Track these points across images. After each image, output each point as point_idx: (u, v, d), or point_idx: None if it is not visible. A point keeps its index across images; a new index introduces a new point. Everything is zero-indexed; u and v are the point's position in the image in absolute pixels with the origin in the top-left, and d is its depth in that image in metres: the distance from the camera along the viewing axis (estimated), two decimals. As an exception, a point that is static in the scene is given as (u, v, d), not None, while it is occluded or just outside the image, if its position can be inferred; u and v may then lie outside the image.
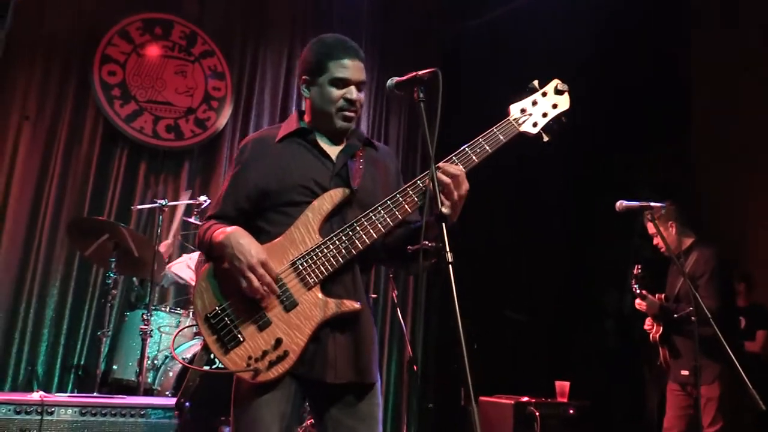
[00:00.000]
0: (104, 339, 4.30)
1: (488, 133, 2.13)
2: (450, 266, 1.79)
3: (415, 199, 2.06)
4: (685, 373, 4.10)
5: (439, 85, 1.96)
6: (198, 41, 6.47)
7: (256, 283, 1.96)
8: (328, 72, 2.16)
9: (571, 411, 4.90)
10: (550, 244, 6.42)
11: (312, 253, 2.03)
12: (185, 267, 5.19)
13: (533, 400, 4.84)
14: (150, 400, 3.17)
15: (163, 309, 4.62)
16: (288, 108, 6.80)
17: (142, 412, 3.02)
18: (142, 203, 6.04)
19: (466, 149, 2.08)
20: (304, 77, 2.23)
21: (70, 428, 2.89)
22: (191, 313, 4.69)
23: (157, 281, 4.70)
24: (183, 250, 5.64)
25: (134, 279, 4.90)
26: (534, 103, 2.22)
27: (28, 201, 5.68)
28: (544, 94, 2.23)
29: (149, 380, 4.32)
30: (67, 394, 3.09)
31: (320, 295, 2.02)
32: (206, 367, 2.41)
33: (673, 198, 4.26)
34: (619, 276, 5.31)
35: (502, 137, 2.13)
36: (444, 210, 1.88)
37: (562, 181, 6.55)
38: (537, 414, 4.68)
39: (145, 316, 4.18)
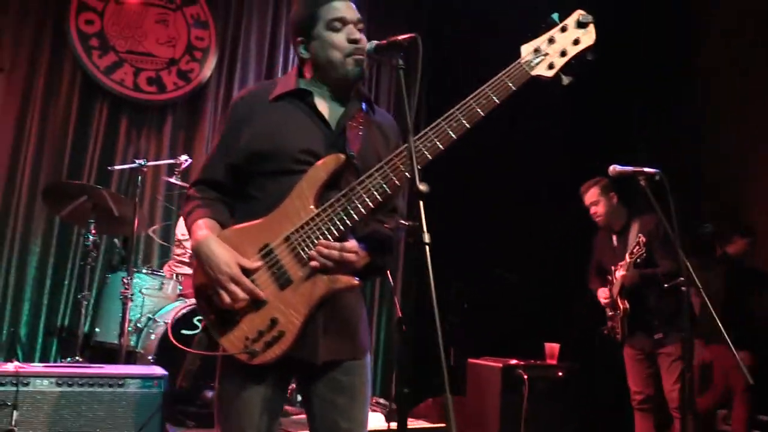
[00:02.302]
0: (84, 302, 4.20)
1: (495, 80, 1.89)
2: (427, 247, 1.68)
3: (393, 178, 1.90)
4: (658, 336, 4.15)
5: (419, 52, 1.80)
6: (180, -12, 6.18)
7: (226, 299, 1.85)
8: (321, 19, 2.00)
9: (560, 374, 4.87)
10: (544, 203, 6.31)
11: (306, 227, 1.89)
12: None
13: (522, 363, 4.80)
14: (129, 369, 3.09)
15: (145, 271, 4.50)
16: (275, 58, 6.55)
17: (120, 382, 2.93)
18: (124, 158, 5.87)
19: (471, 101, 1.87)
20: (298, 39, 2.06)
21: (46, 399, 2.80)
22: (175, 275, 4.59)
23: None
24: (166, 212, 5.50)
25: (116, 240, 4.77)
26: (551, 40, 1.90)
27: (6, 156, 5.49)
28: (564, 29, 1.90)
29: (132, 343, 4.24)
30: (43, 365, 2.99)
31: (316, 272, 1.88)
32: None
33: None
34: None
35: (511, 84, 1.87)
36: (421, 188, 1.73)
37: (559, 135, 6.38)
38: (525, 377, 4.64)
39: (125, 279, 4.06)
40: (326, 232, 1.89)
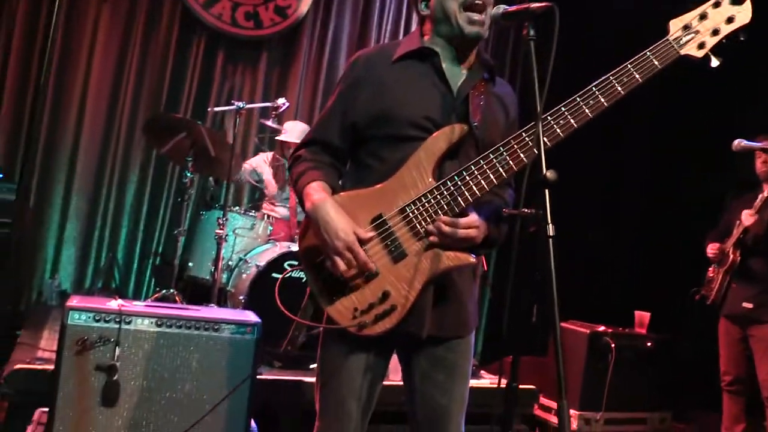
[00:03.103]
0: (180, 238, 4.31)
1: (639, 57, 1.74)
2: (550, 240, 1.57)
3: (522, 155, 1.79)
4: (747, 305, 3.91)
5: (555, 25, 1.66)
6: None
7: (342, 266, 1.81)
8: None
9: (649, 344, 4.70)
10: (643, 167, 6.00)
11: (424, 199, 1.82)
12: (262, 162, 5.11)
13: (609, 330, 4.65)
14: (225, 313, 3.15)
15: (237, 211, 4.57)
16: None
17: (215, 327, 2.99)
18: (219, 94, 5.93)
19: (611, 77, 1.74)
20: None
21: (145, 338, 2.90)
22: (266, 216, 4.64)
23: (234, 180, 4.65)
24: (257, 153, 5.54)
25: (210, 178, 4.85)
26: (702, 16, 1.75)
27: (108, 86, 5.64)
28: (717, 4, 1.75)
29: (224, 281, 4.35)
30: (144, 304, 3.09)
31: (432, 247, 1.82)
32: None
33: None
34: (714, 206, 4.92)
35: (657, 63, 1.73)
36: (549, 175, 1.62)
37: (661, 105, 5.97)
38: (612, 345, 4.51)
39: (220, 220, 4.13)
40: (445, 207, 1.81)
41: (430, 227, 1.81)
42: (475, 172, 1.80)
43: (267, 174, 5.04)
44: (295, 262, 4.04)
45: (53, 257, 5.47)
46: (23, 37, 5.35)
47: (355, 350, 1.91)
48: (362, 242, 1.82)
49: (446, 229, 1.79)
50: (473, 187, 1.80)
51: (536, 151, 1.69)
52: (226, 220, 4.16)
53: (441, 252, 1.82)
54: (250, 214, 4.59)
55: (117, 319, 2.87)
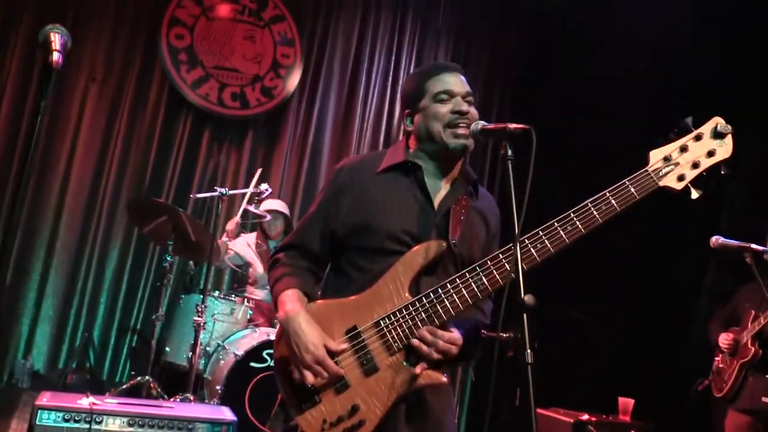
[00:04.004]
0: (157, 323, 4.25)
1: (619, 186, 1.75)
2: (529, 367, 1.57)
3: (498, 277, 1.79)
4: (766, 400, 3.77)
5: (532, 146, 1.71)
6: (269, 5, 6.20)
7: (309, 378, 1.80)
8: (429, 92, 1.95)
9: (633, 432, 4.63)
10: (627, 241, 6.03)
11: (398, 314, 1.82)
12: (245, 246, 5.08)
13: (593, 419, 4.58)
14: (199, 411, 3.08)
15: (216, 296, 4.52)
16: (358, 78, 6.51)
17: (189, 426, 2.92)
18: (204, 171, 5.96)
19: (589, 204, 1.76)
20: (406, 111, 2.02)
21: (117, 439, 2.82)
22: (245, 301, 4.60)
23: (217, 264, 4.63)
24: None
25: (189, 262, 4.81)
26: (683, 148, 1.75)
27: (92, 162, 5.66)
28: (698, 137, 1.75)
29: (200, 366, 4.26)
30: (117, 401, 3.00)
31: (404, 363, 1.81)
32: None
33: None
34: (699, 291, 4.95)
35: (635, 192, 1.74)
36: (527, 299, 1.62)
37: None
38: (597, 435, 4.44)
39: (199, 307, 4.08)
40: (419, 323, 1.81)
41: (415, 339, 1.79)
42: (451, 290, 1.81)
43: (251, 256, 5.01)
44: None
45: (27, 335, 5.36)
46: (10, 110, 5.39)
47: None
48: (333, 354, 1.81)
49: (430, 338, 1.78)
50: (448, 305, 1.80)
51: (513, 275, 1.70)
52: (205, 307, 4.11)
53: (413, 368, 1.80)
54: (230, 298, 4.54)
55: (87, 419, 2.80)
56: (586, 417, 4.58)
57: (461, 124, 1.90)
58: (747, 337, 3.85)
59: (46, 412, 2.76)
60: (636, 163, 1.77)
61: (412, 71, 2.09)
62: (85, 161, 5.62)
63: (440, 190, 1.96)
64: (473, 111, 1.93)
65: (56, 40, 1.54)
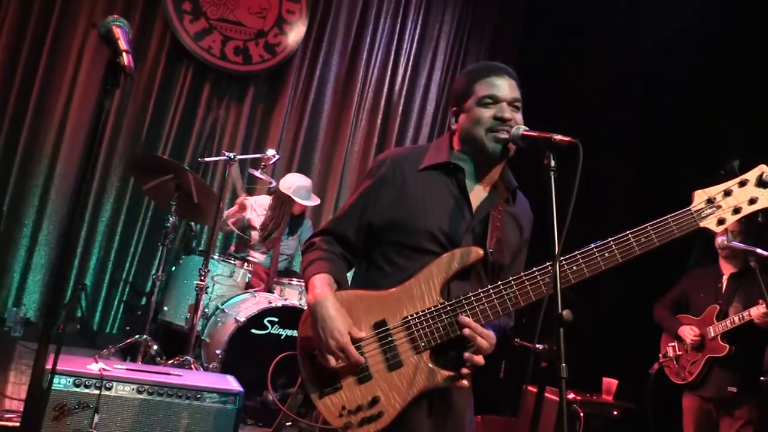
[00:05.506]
0: (157, 283, 4.23)
1: (661, 222, 1.78)
2: (563, 381, 1.61)
3: (531, 293, 1.82)
4: (732, 389, 3.91)
5: (579, 161, 1.65)
6: (277, -43, 6.02)
7: (332, 363, 1.82)
8: (475, 94, 1.93)
9: (615, 413, 4.77)
10: (617, 218, 6.11)
11: (428, 314, 1.84)
12: (251, 209, 5.00)
13: (579, 398, 4.71)
14: (208, 380, 3.10)
15: (217, 257, 4.50)
16: (362, 39, 6.40)
17: (198, 395, 2.95)
18: (203, 125, 5.87)
19: (629, 236, 1.78)
20: (453, 109, 2.01)
21: (126, 405, 2.84)
22: (245, 264, 4.59)
23: (225, 226, 4.59)
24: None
25: (191, 224, 4.77)
26: (727, 193, 1.79)
27: (89, 111, 5.53)
28: (743, 183, 1.78)
29: (199, 328, 4.27)
30: (125, 367, 3.02)
31: (429, 363, 1.84)
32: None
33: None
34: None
35: (676, 230, 1.78)
36: (565, 315, 1.65)
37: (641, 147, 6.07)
38: (581, 414, 4.56)
39: (202, 270, 4.07)
40: (448, 327, 1.83)
41: (465, 319, 1.81)
42: (483, 299, 1.83)
43: (255, 220, 4.91)
44: (275, 319, 4.01)
45: (19, 283, 5.31)
46: (7, 51, 5.23)
47: None
48: (357, 341, 1.84)
49: (467, 331, 1.80)
50: (478, 314, 1.82)
51: (549, 292, 1.71)
52: (208, 270, 4.10)
53: (437, 370, 1.84)
54: (230, 261, 4.53)
55: (98, 384, 2.81)
56: (571, 396, 4.71)
57: (502, 130, 1.89)
58: (716, 333, 3.97)
59: (57, 376, 2.76)
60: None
61: (464, 69, 2.06)
62: (82, 110, 5.49)
63: (480, 194, 1.96)
64: (518, 117, 1.92)
65: (121, 36, 1.44)
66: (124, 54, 1.43)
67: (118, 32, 1.45)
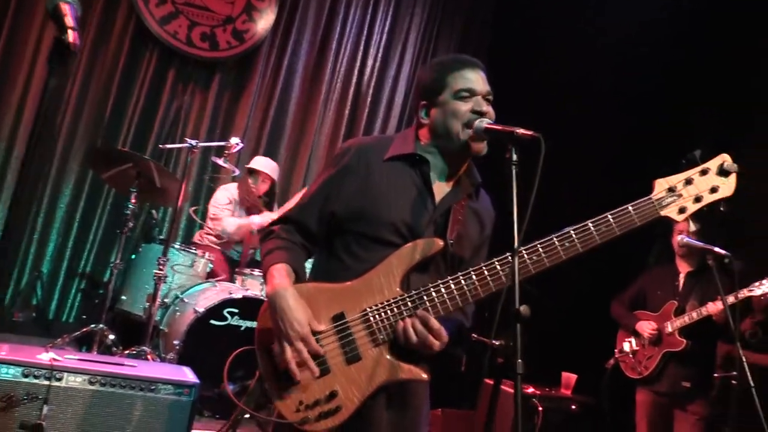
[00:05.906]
0: (115, 271, 4.15)
1: (621, 210, 1.77)
2: (518, 377, 1.60)
3: (491, 284, 1.81)
4: (686, 384, 3.99)
5: (540, 156, 1.64)
6: (246, -58, 5.92)
7: (289, 356, 1.79)
8: (449, 87, 1.90)
9: (573, 407, 4.83)
10: (577, 213, 6.15)
11: (387, 307, 1.82)
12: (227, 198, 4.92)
13: (537, 392, 4.75)
14: (162, 371, 3.03)
15: (178, 246, 4.43)
16: (332, 29, 6.34)
17: (152, 387, 2.89)
18: (167, 111, 5.76)
19: (589, 224, 1.77)
20: (422, 102, 1.97)
21: (77, 396, 2.77)
22: (206, 254, 4.53)
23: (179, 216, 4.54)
24: (209, 192, 5.39)
25: (153, 212, 4.69)
26: (688, 181, 1.78)
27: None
28: (704, 172, 1.78)
29: (158, 317, 4.20)
30: (77, 357, 2.94)
31: (388, 356, 1.82)
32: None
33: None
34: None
35: (636, 219, 1.76)
36: (522, 310, 1.64)
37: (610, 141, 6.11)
38: (540, 408, 4.61)
39: (161, 260, 4.00)
40: (406, 318, 1.81)
41: (407, 320, 1.79)
42: (443, 291, 1.81)
43: (220, 209, 4.84)
44: (235, 310, 3.96)
45: (-28, 269, 5.17)
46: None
47: None
48: (316, 334, 1.82)
49: (419, 327, 1.78)
50: (438, 305, 1.81)
51: (508, 282, 1.71)
52: (167, 259, 4.03)
53: (396, 362, 1.82)
54: (191, 250, 4.46)
55: (47, 375, 2.74)
56: (531, 390, 4.75)
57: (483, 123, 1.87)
58: (674, 329, 4.03)
59: (4, 366, 2.67)
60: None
61: (431, 60, 2.04)
62: (42, 91, 5.33)
63: (443, 188, 1.95)
64: (491, 111, 1.91)
65: (69, 13, 1.38)
66: (70, 31, 1.38)
67: (65, 8, 1.40)
